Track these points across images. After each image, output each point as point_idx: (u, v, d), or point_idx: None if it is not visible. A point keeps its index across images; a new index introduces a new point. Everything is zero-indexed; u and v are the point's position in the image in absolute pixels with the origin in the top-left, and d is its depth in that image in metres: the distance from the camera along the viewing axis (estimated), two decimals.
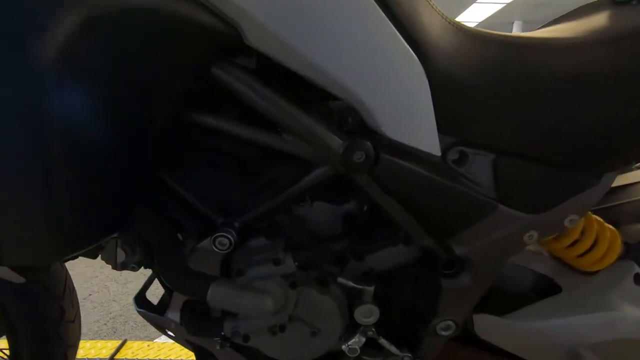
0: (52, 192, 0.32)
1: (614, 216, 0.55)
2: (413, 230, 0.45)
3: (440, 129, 0.40)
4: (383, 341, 0.50)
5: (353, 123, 0.41)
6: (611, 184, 0.43)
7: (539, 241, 0.45)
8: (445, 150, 0.41)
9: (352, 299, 0.48)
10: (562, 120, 0.40)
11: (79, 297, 1.53)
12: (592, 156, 0.42)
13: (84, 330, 1.24)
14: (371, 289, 0.47)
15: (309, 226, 0.49)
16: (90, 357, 1.01)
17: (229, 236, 0.42)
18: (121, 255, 0.55)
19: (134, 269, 0.55)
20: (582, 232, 0.49)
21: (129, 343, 1.06)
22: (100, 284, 1.61)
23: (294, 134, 0.40)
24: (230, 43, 0.35)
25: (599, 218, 0.51)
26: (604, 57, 0.40)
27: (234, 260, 0.44)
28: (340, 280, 0.46)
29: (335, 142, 0.39)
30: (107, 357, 0.99)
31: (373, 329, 0.49)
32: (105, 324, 1.26)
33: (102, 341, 1.10)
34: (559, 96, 0.40)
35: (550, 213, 0.43)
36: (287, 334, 0.47)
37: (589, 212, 0.52)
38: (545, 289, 0.53)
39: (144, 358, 0.99)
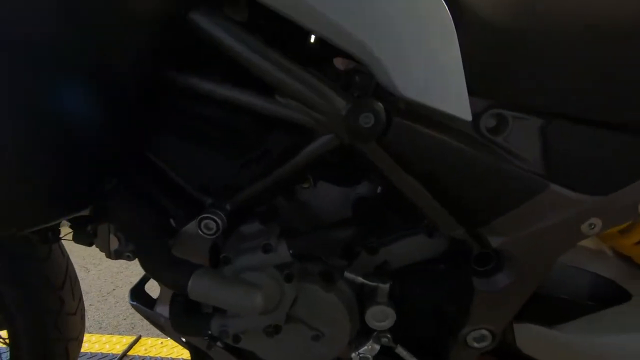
0: (21, 162, 0.28)
1: None
2: (437, 217, 0.37)
3: (472, 89, 0.32)
4: (401, 350, 0.42)
5: (364, 87, 0.34)
6: None
7: (603, 232, 0.35)
8: (478, 115, 0.33)
9: (364, 298, 0.41)
10: (634, 68, 0.30)
11: (103, 291, 1.55)
12: None
13: (103, 324, 1.24)
14: (386, 286, 0.39)
15: (312, 211, 0.42)
16: (104, 351, 1.00)
17: (216, 218, 0.36)
18: (114, 243, 0.50)
19: (129, 258, 0.50)
20: None
21: (143, 339, 1.03)
22: (125, 280, 1.62)
23: (290, 95, 0.33)
24: None
25: None
26: None
27: (223, 247, 0.38)
28: (348, 274, 0.39)
29: (338, 102, 0.32)
30: (120, 352, 0.97)
31: (389, 335, 0.41)
32: (124, 319, 1.25)
33: (118, 336, 1.08)
34: (628, 38, 0.30)
35: (620, 195, 0.33)
36: (285, 336, 0.40)
37: None
38: (608, 295, 0.42)
39: (156, 356, 0.96)
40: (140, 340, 1.03)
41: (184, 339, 0.49)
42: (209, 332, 0.39)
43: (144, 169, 0.37)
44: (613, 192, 0.33)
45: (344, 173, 0.42)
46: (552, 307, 0.43)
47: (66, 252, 0.66)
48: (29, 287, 0.59)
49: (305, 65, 0.34)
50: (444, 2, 0.30)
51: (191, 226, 0.38)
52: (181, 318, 0.41)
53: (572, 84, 0.31)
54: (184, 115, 0.36)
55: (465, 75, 0.31)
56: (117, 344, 1.03)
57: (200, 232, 0.37)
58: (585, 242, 0.45)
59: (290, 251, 0.36)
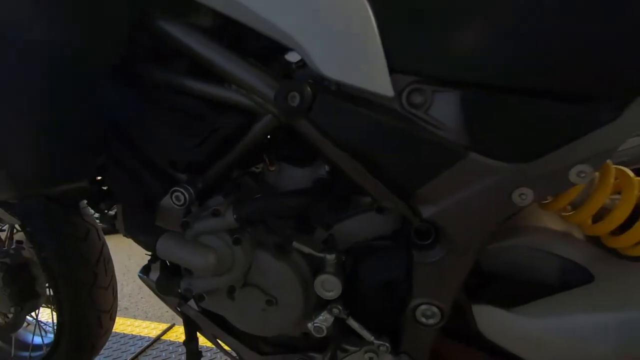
0: (14, 140, 0.38)
1: None
2: (372, 189, 0.39)
3: (393, 66, 0.35)
4: (352, 322, 0.44)
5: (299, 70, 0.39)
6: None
7: (537, 201, 0.35)
8: (400, 91, 0.35)
9: (315, 269, 0.44)
10: (550, 34, 0.31)
11: None
12: (603, 77, 0.31)
13: (149, 314, 1.38)
14: (332, 257, 0.42)
15: (276, 191, 0.47)
16: (142, 334, 1.12)
17: (184, 191, 0.43)
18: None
19: None
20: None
21: (176, 327, 1.14)
22: None
23: (235, 83, 0.39)
24: None
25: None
26: None
27: (188, 216, 0.44)
28: (296, 245, 0.42)
29: (270, 84, 0.37)
30: (155, 337, 1.08)
31: (339, 307, 0.43)
32: (167, 311, 1.38)
33: (155, 323, 1.21)
34: (540, 4, 0.31)
35: (544, 162, 0.33)
36: (243, 300, 0.45)
37: (630, 174, 0.38)
38: (576, 280, 0.40)
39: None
40: (173, 328, 1.14)
41: (179, 308, 0.56)
42: (179, 291, 0.45)
43: (128, 150, 0.45)
44: (534, 159, 0.33)
45: (300, 154, 0.46)
46: (513, 290, 0.42)
47: (102, 236, 0.79)
48: (70, 262, 0.71)
49: (259, 60, 0.40)
50: None
51: (166, 199, 0.45)
52: (161, 280, 0.47)
53: (487, 54, 0.33)
54: (154, 102, 0.44)
55: (385, 54, 0.34)
56: (154, 329, 1.15)
57: (172, 203, 0.44)
58: (554, 225, 0.43)
59: (235, 216, 0.41)
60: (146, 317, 1.30)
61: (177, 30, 0.39)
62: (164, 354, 1.00)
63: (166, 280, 0.47)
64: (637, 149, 0.52)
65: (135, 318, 1.27)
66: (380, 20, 0.34)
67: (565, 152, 0.32)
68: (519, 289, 0.42)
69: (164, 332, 1.10)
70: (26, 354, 0.88)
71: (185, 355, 0.55)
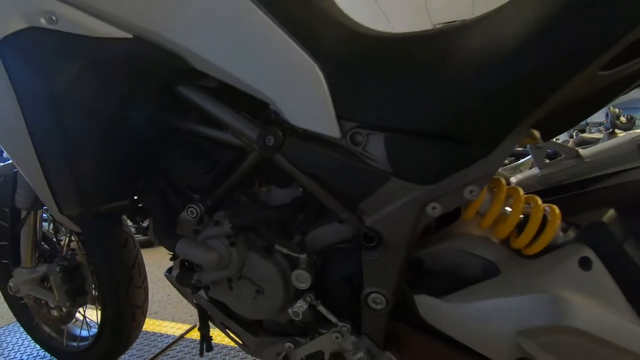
0: (82, 171, 0.55)
1: (577, 204, 0.50)
2: (330, 204, 0.52)
3: (340, 115, 0.49)
4: (321, 308, 0.57)
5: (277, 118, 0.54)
6: (508, 153, 0.43)
7: (444, 213, 0.47)
8: (345, 133, 0.49)
9: (292, 266, 0.57)
10: (436, 97, 0.44)
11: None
12: (475, 127, 0.43)
13: (174, 315, 1.54)
14: (304, 256, 0.55)
15: (263, 205, 0.61)
16: (169, 333, 1.27)
17: (197, 207, 0.58)
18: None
19: None
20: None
21: (197, 328, 1.29)
22: None
23: (229, 128, 0.55)
24: (186, 67, 0.52)
25: (536, 198, 0.49)
26: (460, 43, 0.43)
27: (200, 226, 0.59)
28: (277, 247, 0.56)
29: (254, 131, 0.52)
30: (178, 335, 1.23)
31: (311, 296, 0.56)
32: (191, 315, 1.54)
33: (180, 324, 1.36)
34: (427, 77, 0.44)
35: (445, 184, 0.45)
36: (238, 290, 0.59)
37: (520, 191, 0.50)
38: (488, 273, 0.51)
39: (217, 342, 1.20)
40: (194, 328, 1.29)
41: (194, 301, 0.71)
42: (192, 282, 0.60)
43: (158, 177, 0.62)
44: (437, 182, 0.45)
45: (282, 179, 0.60)
46: (445, 282, 0.53)
47: (137, 244, 0.96)
48: (111, 265, 0.89)
49: (251, 108, 0.55)
50: (311, 60, 0.48)
51: (184, 213, 0.60)
52: (180, 274, 0.63)
53: (397, 109, 0.46)
54: (176, 142, 0.60)
55: (334, 107, 0.48)
56: (178, 329, 1.31)
57: (188, 216, 0.59)
58: (476, 232, 0.55)
59: (230, 225, 0.55)
60: (173, 319, 1.47)
61: (190, 92, 0.55)
62: (186, 349, 1.15)
63: (183, 274, 0.62)
64: (572, 169, 0.63)
65: (163, 320, 1.44)
66: (329, 83, 0.48)
67: (458, 177, 0.44)
68: (449, 282, 0.53)
69: (187, 331, 1.26)
70: (74, 344, 1.06)
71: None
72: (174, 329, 1.32)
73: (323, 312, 0.57)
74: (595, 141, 3.76)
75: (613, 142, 0.63)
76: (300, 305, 0.57)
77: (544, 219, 0.47)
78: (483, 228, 0.51)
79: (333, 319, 0.56)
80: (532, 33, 0.38)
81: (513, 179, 0.67)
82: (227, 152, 0.57)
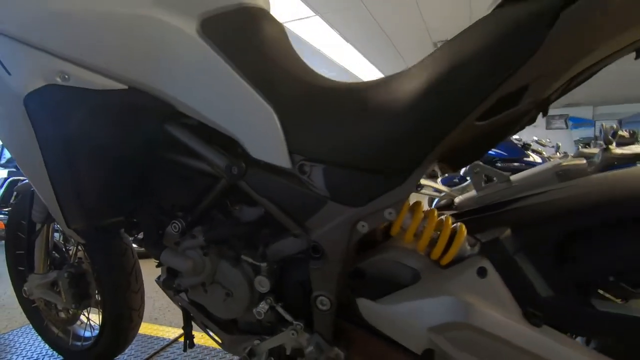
0: (85, 192, 0.67)
1: (484, 223, 0.61)
2: (284, 221, 0.64)
3: (291, 150, 0.61)
4: (279, 309, 0.67)
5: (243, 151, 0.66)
6: (416, 183, 0.55)
7: (370, 229, 0.58)
8: (295, 164, 0.61)
9: (256, 272, 0.68)
10: (362, 138, 0.55)
11: None
12: (388, 164, 0.54)
13: (172, 321, 1.65)
14: (265, 265, 0.66)
15: (236, 221, 0.73)
16: (165, 336, 1.39)
17: (179, 223, 0.70)
18: None
19: None
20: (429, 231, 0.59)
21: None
22: None
23: (204, 159, 0.67)
24: (171, 110, 0.65)
25: (448, 217, 0.59)
26: (381, 94, 0.55)
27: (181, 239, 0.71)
28: (244, 257, 0.68)
29: (223, 162, 0.64)
30: (173, 338, 1.34)
31: (271, 298, 0.67)
32: None
33: (176, 328, 1.47)
34: (356, 121, 0.56)
35: (369, 207, 0.56)
36: (212, 293, 0.70)
37: (435, 212, 0.60)
38: (412, 280, 0.62)
39: (203, 344, 1.30)
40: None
41: (179, 303, 0.82)
42: (174, 286, 0.72)
43: (149, 197, 0.74)
44: (363, 205, 0.56)
45: (250, 201, 0.72)
46: (380, 287, 0.64)
47: (135, 254, 1.08)
48: (112, 272, 1.01)
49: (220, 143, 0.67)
50: (269, 106, 0.60)
51: (169, 228, 0.72)
52: (164, 279, 0.74)
53: (331, 147, 0.58)
54: (163, 170, 0.72)
55: (286, 143, 0.60)
56: (175, 333, 1.42)
57: (172, 231, 0.71)
58: (406, 246, 0.65)
59: (203, 238, 0.67)
60: (170, 325, 1.57)
61: (175, 130, 0.67)
62: (178, 351, 1.26)
63: (167, 279, 0.73)
64: (502, 192, 0.73)
65: (161, 325, 1.55)
66: (283, 124, 0.60)
67: (379, 201, 0.56)
68: (384, 287, 0.63)
69: (181, 335, 1.36)
70: (79, 343, 1.18)
71: (196, 354, 0.80)
72: (170, 333, 1.43)
73: (281, 312, 0.68)
74: (592, 155, 3.81)
75: (537, 168, 0.73)
76: (262, 307, 0.68)
77: (453, 235, 0.58)
78: (406, 242, 0.61)
79: (289, 318, 0.67)
80: (424, 91, 0.50)
81: (457, 199, 0.77)
82: (203, 179, 0.69)
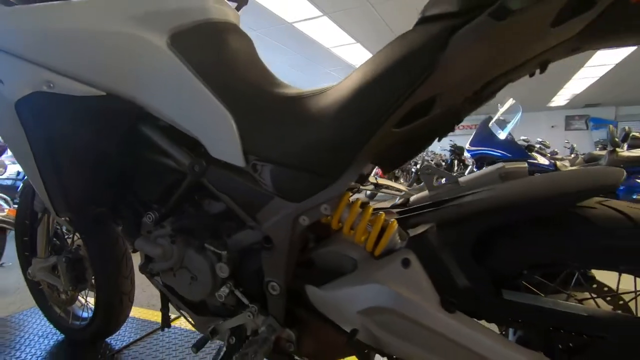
0: (69, 185, 0.77)
1: (416, 219, 0.67)
2: (240, 214, 0.71)
3: (245, 151, 0.68)
4: (237, 293, 0.75)
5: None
6: (349, 183, 0.61)
7: (310, 222, 0.65)
8: (248, 163, 0.68)
9: (218, 259, 0.76)
10: (301, 142, 0.62)
11: None
12: (322, 165, 0.61)
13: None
14: (225, 253, 0.74)
15: (204, 213, 0.81)
16: (157, 321, 1.49)
17: (153, 214, 0.79)
18: None
19: None
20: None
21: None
22: None
23: (173, 159, 0.75)
24: (144, 113, 0.73)
25: (382, 214, 0.66)
26: (319, 104, 0.62)
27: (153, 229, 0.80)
28: (207, 245, 0.76)
29: (187, 160, 0.72)
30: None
31: (230, 283, 0.75)
32: None
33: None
34: (297, 126, 0.63)
35: (307, 202, 0.63)
36: (179, 277, 0.79)
37: (370, 209, 0.67)
38: (352, 268, 0.68)
39: (188, 328, 1.40)
40: (180, 317, 1.50)
41: (157, 286, 0.91)
42: (148, 270, 0.80)
43: (129, 190, 0.83)
44: (302, 201, 0.63)
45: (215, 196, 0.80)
46: (326, 276, 0.71)
47: (126, 243, 1.18)
48: (104, 259, 1.11)
49: (188, 143, 0.75)
50: (227, 112, 0.68)
51: (144, 218, 0.81)
52: (141, 264, 0.83)
53: (275, 150, 0.65)
54: (139, 167, 0.81)
55: (241, 144, 0.68)
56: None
57: (146, 221, 0.80)
58: (348, 238, 0.72)
59: (171, 228, 0.75)
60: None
61: (147, 130, 0.76)
62: (172, 335, 1.36)
63: (143, 264, 0.82)
64: (450, 192, 0.79)
65: (156, 310, 1.66)
66: (239, 128, 0.67)
67: (316, 198, 0.63)
68: (329, 275, 0.70)
69: (174, 319, 1.47)
70: (77, 323, 1.29)
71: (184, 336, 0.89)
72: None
73: (239, 296, 0.75)
74: (600, 157, 3.75)
75: (484, 170, 0.78)
76: (223, 290, 0.76)
77: (384, 230, 0.64)
78: (345, 235, 0.68)
79: (245, 301, 0.75)
80: (348, 102, 0.57)
81: (412, 198, 0.84)
82: (172, 175, 0.77)
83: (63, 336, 1.35)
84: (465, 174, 4.20)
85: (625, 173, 0.56)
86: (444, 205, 0.66)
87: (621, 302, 0.64)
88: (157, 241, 0.78)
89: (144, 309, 1.65)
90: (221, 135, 0.68)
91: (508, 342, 0.57)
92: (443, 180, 0.77)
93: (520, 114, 3.37)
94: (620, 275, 0.57)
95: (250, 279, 0.76)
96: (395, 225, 0.64)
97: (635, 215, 0.53)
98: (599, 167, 0.61)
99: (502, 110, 3.50)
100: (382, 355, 0.66)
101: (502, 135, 3.48)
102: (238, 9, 1.10)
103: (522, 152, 3.48)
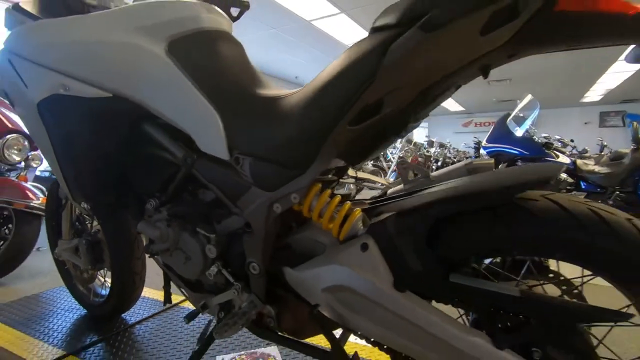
0: (82, 175, 0.89)
1: (380, 209, 0.74)
2: (224, 201, 0.81)
3: (229, 146, 0.77)
4: (224, 272, 0.85)
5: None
6: (315, 175, 0.69)
7: (283, 210, 0.73)
8: (232, 156, 0.77)
9: (207, 242, 0.86)
10: (274, 138, 0.70)
11: None
12: (290, 158, 0.69)
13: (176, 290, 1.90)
14: (213, 236, 0.84)
15: (196, 202, 0.91)
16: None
17: (154, 201, 0.90)
18: None
19: None
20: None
21: None
22: None
23: (169, 153, 0.85)
24: (146, 112, 0.84)
25: (347, 203, 0.73)
26: (289, 103, 0.69)
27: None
28: (199, 229, 0.85)
29: (180, 153, 0.82)
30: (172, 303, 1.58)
31: (218, 263, 0.85)
32: None
33: (179, 296, 1.71)
34: (272, 124, 0.71)
35: (278, 192, 0.71)
36: (175, 256, 0.89)
37: (337, 199, 0.74)
38: (322, 251, 0.76)
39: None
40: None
41: (162, 268, 1.02)
42: (149, 250, 0.91)
43: (134, 180, 0.94)
44: (274, 190, 0.72)
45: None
46: (300, 258, 0.78)
47: None
48: (118, 242, 1.24)
49: (183, 139, 0.85)
50: (215, 112, 0.77)
51: (147, 205, 0.92)
52: (145, 245, 0.94)
53: (250, 145, 0.73)
54: (141, 160, 0.92)
55: (226, 140, 0.77)
56: (175, 299, 1.66)
57: (148, 207, 0.91)
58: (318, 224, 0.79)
59: (167, 213, 0.85)
60: (175, 293, 1.82)
61: (149, 127, 0.86)
62: (176, 314, 1.48)
63: (147, 245, 0.93)
64: (421, 184, 0.84)
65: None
66: (225, 126, 0.76)
67: (286, 188, 0.71)
68: (302, 258, 0.78)
69: (181, 301, 1.60)
70: (97, 299, 1.44)
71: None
72: (174, 299, 1.67)
73: (225, 275, 0.85)
74: (625, 155, 3.60)
75: (454, 166, 0.84)
76: (213, 269, 0.86)
77: (348, 217, 0.71)
78: (315, 221, 0.76)
79: (231, 279, 0.84)
80: (309, 102, 0.64)
81: (389, 191, 0.90)
82: (170, 167, 0.87)
83: (85, 311, 1.51)
84: None
85: (564, 167, 0.61)
86: (405, 197, 0.72)
87: (575, 290, 0.68)
88: (155, 224, 0.89)
89: (157, 290, 1.79)
90: (209, 132, 0.77)
91: (452, 319, 0.63)
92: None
93: (537, 110, 3.30)
94: (558, 262, 0.62)
95: (235, 260, 0.85)
96: (358, 213, 0.71)
97: (571, 207, 0.57)
98: (541, 164, 0.66)
99: (520, 106, 3.43)
100: (345, 330, 0.74)
101: (519, 132, 3.42)
102: (240, 14, 1.19)
103: (539, 149, 3.41)
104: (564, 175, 3.32)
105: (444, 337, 0.61)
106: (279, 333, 0.86)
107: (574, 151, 7.58)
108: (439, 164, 7.76)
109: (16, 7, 0.91)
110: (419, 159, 6.86)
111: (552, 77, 8.44)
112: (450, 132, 14.76)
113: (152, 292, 1.74)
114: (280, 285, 0.83)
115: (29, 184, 1.92)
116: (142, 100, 0.81)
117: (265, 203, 0.74)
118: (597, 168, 3.22)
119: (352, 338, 0.82)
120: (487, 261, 0.72)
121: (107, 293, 1.38)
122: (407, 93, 0.58)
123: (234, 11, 1.20)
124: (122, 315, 1.46)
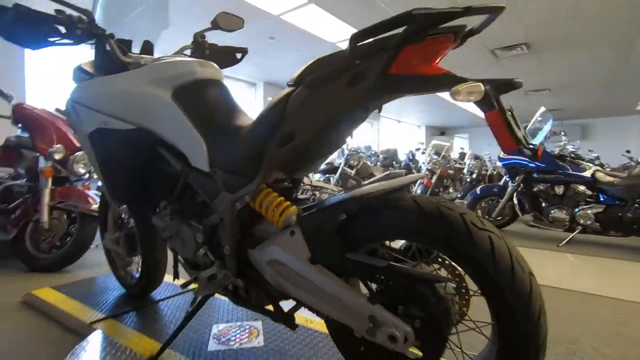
0: (117, 184, 1.27)
1: (312, 206, 1.01)
2: (208, 202, 1.13)
3: (210, 163, 1.09)
4: (209, 253, 1.16)
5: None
6: (262, 182, 0.98)
7: (242, 207, 1.03)
8: (211, 169, 1.09)
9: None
10: (234, 155, 1.02)
11: None
12: (243, 170, 0.99)
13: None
14: (201, 227, 1.16)
15: (191, 202, 1.24)
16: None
17: (163, 202, 1.25)
18: None
19: None
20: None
21: None
22: None
23: (173, 166, 1.20)
24: (161, 140, 1.19)
25: (286, 203, 1.01)
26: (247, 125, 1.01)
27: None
28: (191, 222, 1.18)
29: (179, 167, 1.17)
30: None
31: (205, 247, 1.17)
32: None
33: None
34: (235, 145, 1.02)
35: (237, 194, 1.02)
36: (176, 241, 1.23)
37: (278, 199, 1.03)
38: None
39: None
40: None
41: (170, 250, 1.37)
42: (161, 237, 1.26)
43: (150, 186, 1.30)
44: (234, 193, 1.02)
45: None
46: (259, 242, 1.08)
47: None
48: (147, 235, 1.62)
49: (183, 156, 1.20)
50: (202, 140, 1.10)
51: (160, 205, 1.27)
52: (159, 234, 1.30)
53: (226, 160, 1.04)
54: (155, 172, 1.27)
55: (208, 157, 1.10)
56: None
57: (160, 206, 1.26)
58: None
59: (169, 210, 1.20)
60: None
61: (161, 149, 1.22)
62: (190, 296, 1.84)
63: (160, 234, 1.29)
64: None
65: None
66: (208, 149, 1.09)
67: (242, 191, 1.01)
68: (261, 242, 1.07)
69: (193, 288, 1.95)
70: (132, 281, 1.84)
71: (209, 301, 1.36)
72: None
73: (209, 255, 1.17)
74: None
75: (380, 176, 1.10)
76: (201, 251, 1.18)
77: (284, 211, 1.00)
78: (264, 216, 1.05)
79: (212, 258, 1.16)
80: (253, 131, 0.95)
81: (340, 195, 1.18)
82: (174, 178, 1.22)
83: (124, 290, 1.91)
84: (501, 183, 4.16)
85: (416, 178, 0.85)
86: (331, 198, 1.00)
87: (457, 271, 0.91)
88: (163, 218, 1.23)
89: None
90: (198, 152, 1.11)
91: (345, 284, 0.88)
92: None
93: (550, 122, 3.32)
94: (414, 247, 0.86)
95: (216, 245, 1.17)
96: (293, 209, 1.00)
97: (424, 205, 0.82)
98: (404, 177, 0.90)
99: (534, 118, 3.47)
100: (285, 294, 1.01)
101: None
102: (242, 57, 1.54)
103: (554, 162, 3.41)
104: (580, 189, 3.28)
105: (339, 296, 0.87)
106: (251, 302, 1.16)
107: (596, 162, 7.16)
108: (474, 176, 7.64)
109: (79, 67, 1.33)
110: (450, 171, 6.84)
111: (599, 87, 8.02)
112: (491, 142, 14.26)
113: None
114: (249, 264, 1.13)
115: (91, 192, 2.43)
116: (157, 130, 1.17)
117: (230, 202, 1.05)
118: (616, 180, 3.16)
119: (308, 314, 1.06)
120: (398, 247, 0.96)
121: (138, 276, 1.77)
122: (306, 130, 0.86)
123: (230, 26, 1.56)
124: (150, 294, 1.84)
